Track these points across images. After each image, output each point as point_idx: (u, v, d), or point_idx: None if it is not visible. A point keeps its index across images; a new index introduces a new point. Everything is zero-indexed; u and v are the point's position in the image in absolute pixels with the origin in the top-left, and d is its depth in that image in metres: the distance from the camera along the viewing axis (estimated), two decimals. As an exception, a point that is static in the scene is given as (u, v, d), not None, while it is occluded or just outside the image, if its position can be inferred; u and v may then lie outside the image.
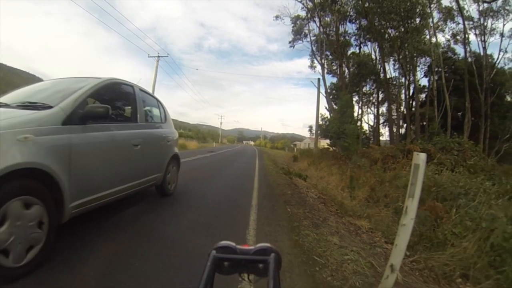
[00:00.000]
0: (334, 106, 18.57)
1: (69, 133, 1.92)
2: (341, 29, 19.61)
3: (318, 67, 21.00)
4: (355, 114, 19.37)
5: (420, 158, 1.71)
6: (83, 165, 2.04)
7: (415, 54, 16.52)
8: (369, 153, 10.20)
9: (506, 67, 18.57)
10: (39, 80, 7.88)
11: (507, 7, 16.72)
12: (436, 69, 17.33)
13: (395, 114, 20.48)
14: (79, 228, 2.31)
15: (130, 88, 3.05)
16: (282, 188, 5.76)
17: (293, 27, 20.80)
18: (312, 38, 20.72)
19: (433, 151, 8.95)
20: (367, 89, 22.71)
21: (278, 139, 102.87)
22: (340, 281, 1.97)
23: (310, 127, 27.83)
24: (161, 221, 2.81)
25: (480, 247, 2.42)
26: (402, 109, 20.76)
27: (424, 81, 20.98)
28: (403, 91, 20.31)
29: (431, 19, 16.65)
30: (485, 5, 17.00)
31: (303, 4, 18.81)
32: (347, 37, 20.16)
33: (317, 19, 19.24)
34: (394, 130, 19.79)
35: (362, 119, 22.65)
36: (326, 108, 20.06)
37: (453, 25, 18.65)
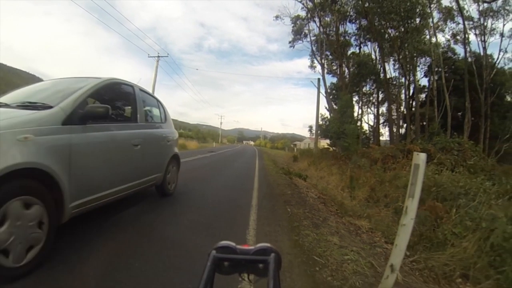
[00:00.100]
0: (334, 106, 18.57)
1: (69, 133, 1.92)
2: (341, 29, 19.64)
3: (318, 67, 21.03)
4: (355, 114, 19.40)
5: (420, 158, 1.71)
6: (83, 165, 2.04)
7: (415, 54, 16.52)
8: (369, 153, 10.20)
9: (506, 67, 18.61)
10: (39, 80, 7.88)
11: (507, 7, 16.73)
12: (436, 69, 17.33)
13: (395, 114, 20.48)
14: (79, 228, 2.31)
15: (130, 88, 3.05)
16: (282, 188, 5.76)
17: (293, 27, 20.82)
18: (312, 38, 20.75)
19: (433, 151, 8.95)
20: (367, 89, 22.73)
21: (278, 139, 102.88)
22: (340, 281, 1.97)
23: (310, 127, 27.85)
24: (161, 221, 2.81)
25: (480, 247, 2.42)
26: (402, 109, 20.78)
27: (424, 81, 21.03)
28: (403, 91, 20.34)
29: (431, 19, 16.67)
30: (485, 5, 17.01)
31: (303, 4, 18.84)
32: (347, 37, 20.18)
33: (317, 19, 19.27)
34: (394, 130, 19.80)
35: (362, 119, 22.69)
36: (326, 108, 20.09)
37: (453, 25, 18.69)
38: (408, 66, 17.96)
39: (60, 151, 1.81)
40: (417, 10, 14.74)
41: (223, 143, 60.47)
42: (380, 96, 22.15)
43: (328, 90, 19.97)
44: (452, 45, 19.65)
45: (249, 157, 16.01)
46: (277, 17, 20.85)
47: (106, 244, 2.13)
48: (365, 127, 22.37)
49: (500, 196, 3.84)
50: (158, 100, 3.87)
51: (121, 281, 1.65)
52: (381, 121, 22.83)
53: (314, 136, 21.15)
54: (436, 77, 17.40)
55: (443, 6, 17.90)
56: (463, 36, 17.40)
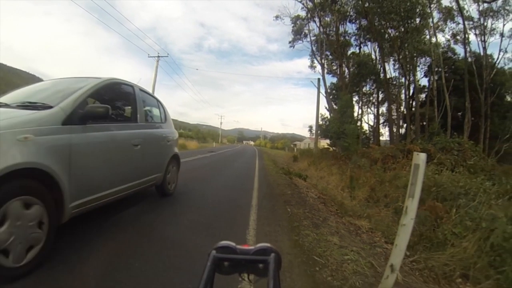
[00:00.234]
0: (334, 106, 18.57)
1: (69, 133, 1.92)
2: (341, 29, 19.64)
3: (318, 67, 21.03)
4: (355, 114, 19.40)
5: (420, 158, 1.71)
6: (83, 165, 2.04)
7: (415, 54, 16.52)
8: (369, 153, 10.20)
9: (506, 67, 18.60)
10: (39, 80, 7.88)
11: (507, 7, 16.73)
12: (436, 69, 17.33)
13: (395, 114, 20.48)
14: (79, 228, 2.31)
15: (130, 88, 3.05)
16: (282, 188, 5.76)
17: (293, 27, 20.82)
18: (312, 38, 20.75)
19: (433, 151, 8.95)
20: (367, 89, 22.73)
21: (278, 139, 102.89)
22: (340, 281, 1.97)
23: (310, 127, 27.86)
24: (161, 221, 2.81)
25: (480, 247, 2.42)
26: (402, 109, 20.78)
27: (424, 81, 21.02)
28: (403, 91, 20.34)
29: (431, 19, 16.67)
30: (485, 5, 17.01)
31: (303, 4, 18.84)
32: (347, 37, 20.18)
33: (317, 19, 19.27)
34: (394, 130, 19.80)
35: (362, 119, 22.69)
36: (326, 108, 20.09)
37: (453, 25, 18.69)
38: (408, 66, 17.96)
39: (60, 151, 1.81)
40: (417, 10, 14.74)
41: (223, 143, 60.47)
42: (380, 96, 22.18)
43: (328, 90, 19.99)
44: (452, 45, 19.69)
45: (249, 157, 16.01)
46: (277, 17, 20.88)
47: (106, 244, 2.13)
48: (365, 127, 22.40)
49: (500, 196, 3.84)
50: (158, 100, 3.87)
51: (121, 281, 1.65)
52: (381, 121, 22.87)
53: (314, 136, 21.15)
54: (436, 77, 17.41)
55: (443, 6, 17.93)
56: (463, 36, 17.42)
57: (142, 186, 3.03)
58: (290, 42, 21.48)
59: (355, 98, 21.73)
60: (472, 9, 18.61)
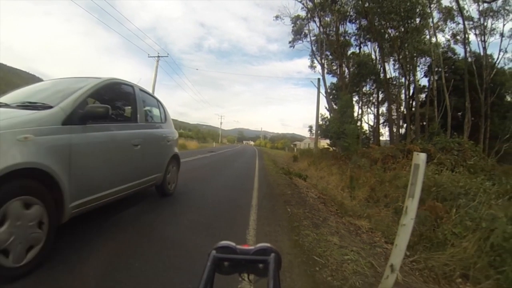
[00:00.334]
0: (334, 106, 18.57)
1: (69, 133, 1.92)
2: (341, 29, 19.64)
3: (318, 67, 21.04)
4: (355, 114, 19.40)
5: (420, 158, 1.71)
6: (83, 165, 2.04)
7: (415, 54, 16.52)
8: (369, 153, 10.20)
9: (506, 67, 18.60)
10: (39, 80, 7.88)
11: (507, 7, 16.73)
12: (436, 69, 17.33)
13: (395, 114, 20.48)
14: (79, 228, 2.31)
15: (130, 88, 3.05)
16: (282, 188, 5.76)
17: (293, 27, 20.82)
18: (312, 38, 20.75)
19: (433, 151, 8.95)
20: (367, 89, 22.73)
21: (278, 139, 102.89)
22: (340, 281, 1.97)
23: (310, 127, 27.86)
24: (161, 221, 2.81)
25: (480, 247, 2.42)
26: (402, 109, 20.78)
27: (424, 81, 21.02)
28: (403, 91, 20.33)
29: (431, 19, 16.67)
30: (485, 5, 17.01)
31: (303, 4, 18.84)
32: (347, 37, 20.18)
33: (317, 19, 19.27)
34: (394, 130, 19.80)
35: (362, 119, 22.69)
36: (326, 108, 20.09)
37: (453, 25, 18.69)
38: (408, 66, 17.96)
39: (60, 151, 1.81)
40: (417, 10, 14.74)
41: (223, 143, 60.47)
42: (380, 96, 22.18)
43: (328, 90, 19.99)
44: (452, 45, 19.69)
45: (249, 157, 16.01)
46: (277, 17, 20.88)
47: (106, 244, 2.13)
48: (365, 127, 22.40)
49: (500, 196, 3.84)
50: (158, 100, 3.87)
51: (121, 281, 1.65)
52: (381, 121, 22.87)
53: (314, 136, 21.15)
54: (436, 77, 17.40)
55: (443, 6, 17.93)
56: (463, 36, 17.42)
57: (142, 186, 3.03)
58: (290, 42, 21.52)
59: (355, 98, 21.75)
60: (472, 9, 18.64)
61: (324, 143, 21.00)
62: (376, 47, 19.21)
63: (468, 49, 17.72)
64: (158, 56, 19.54)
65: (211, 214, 3.25)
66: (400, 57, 17.28)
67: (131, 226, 2.59)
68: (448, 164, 7.50)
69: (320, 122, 18.18)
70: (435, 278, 2.28)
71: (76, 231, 2.25)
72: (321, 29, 19.50)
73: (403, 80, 19.68)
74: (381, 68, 18.81)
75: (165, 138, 3.65)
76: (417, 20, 15.34)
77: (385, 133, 22.06)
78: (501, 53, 17.94)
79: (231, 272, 0.44)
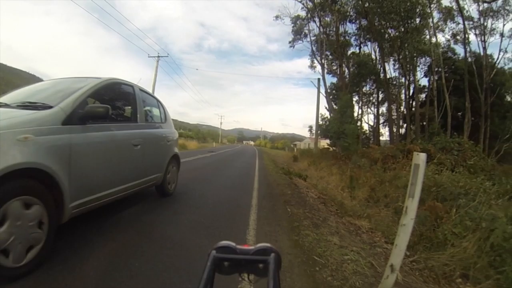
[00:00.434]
0: (334, 106, 18.58)
1: (69, 133, 1.92)
2: (341, 29, 19.64)
3: (318, 67, 21.06)
4: (355, 114, 19.39)
5: (420, 158, 1.71)
6: (83, 165, 2.03)
7: (415, 54, 16.51)
8: (369, 153, 10.20)
9: (506, 67, 18.59)
10: (39, 80, 7.88)
11: (507, 7, 16.72)
12: (436, 69, 17.33)
13: (395, 114, 20.49)
14: (79, 228, 2.31)
15: (130, 88, 3.05)
16: (282, 188, 5.76)
17: (293, 27, 20.85)
18: (312, 38, 20.77)
19: (433, 151, 8.97)
20: (367, 89, 22.75)
21: (278, 139, 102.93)
22: (340, 281, 1.97)
23: (310, 127, 27.89)
24: (161, 221, 2.81)
25: (480, 247, 2.42)
26: (402, 109, 20.80)
27: (424, 81, 21.03)
28: (403, 91, 20.35)
29: (431, 19, 16.67)
30: (485, 5, 17.01)
31: (303, 4, 18.85)
32: (347, 37, 20.19)
33: (317, 19, 19.29)
34: (394, 130, 19.81)
35: (362, 119, 22.71)
36: (326, 108, 20.10)
37: (453, 25, 18.69)
38: (408, 66, 17.97)
39: (60, 151, 1.81)
40: (417, 10, 14.75)
41: (223, 143, 60.48)
42: (380, 96, 22.18)
43: (328, 90, 20.02)
44: (452, 45, 19.69)
45: (249, 157, 16.01)
46: (277, 17, 20.90)
47: (106, 244, 2.13)
48: (365, 127, 22.43)
49: (500, 196, 3.85)
50: (158, 100, 3.87)
51: (121, 281, 1.65)
52: (381, 121, 22.87)
53: (314, 136, 21.16)
54: (436, 77, 17.41)
55: (443, 6, 17.92)
56: (463, 36, 17.42)
57: (142, 186, 3.03)
58: (290, 42, 21.55)
59: (355, 98, 21.76)
60: (472, 9, 18.67)
61: (324, 143, 21.00)
62: (376, 47, 19.24)
63: (468, 49, 17.75)
64: (158, 56, 19.56)
65: (211, 214, 3.25)
66: (400, 57, 17.29)
67: (131, 226, 2.59)
68: (448, 164, 7.51)
69: (320, 122, 18.18)
70: (435, 278, 2.28)
71: (76, 231, 2.25)
72: (321, 29, 19.54)
73: (403, 80, 19.72)
74: (381, 68, 18.82)
75: (165, 138, 3.65)
76: (417, 20, 15.35)
77: (385, 133, 22.10)
78: (501, 53, 17.97)
79: (231, 272, 0.44)
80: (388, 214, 4.32)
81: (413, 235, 2.58)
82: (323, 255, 2.38)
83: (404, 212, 1.75)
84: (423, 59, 18.80)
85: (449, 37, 19.45)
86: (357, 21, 18.81)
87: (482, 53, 17.84)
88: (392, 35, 16.82)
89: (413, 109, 18.55)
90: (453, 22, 18.48)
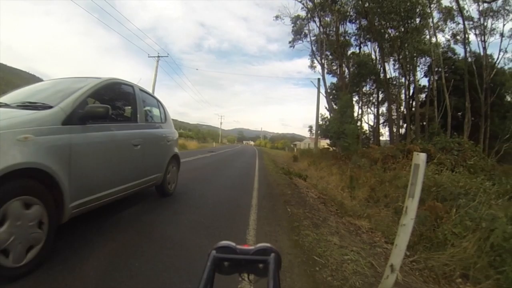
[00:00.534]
0: (334, 106, 18.58)
1: (69, 133, 1.92)
2: (341, 29, 19.65)
3: (318, 67, 21.06)
4: (355, 114, 19.39)
5: (420, 158, 1.71)
6: (83, 165, 2.03)
7: (415, 54, 16.51)
8: (369, 153, 10.20)
9: (506, 67, 18.59)
10: (39, 80, 7.88)
11: (507, 7, 16.72)
12: (436, 69, 17.33)
13: (395, 114, 20.49)
14: (79, 228, 2.31)
15: (130, 88, 3.05)
16: (282, 188, 5.76)
17: (293, 27, 20.85)
18: (312, 38, 20.77)
19: (433, 151, 8.97)
20: (367, 89, 22.75)
21: (278, 139, 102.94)
22: (340, 281, 1.97)
23: (310, 127, 27.90)
24: (161, 221, 2.81)
25: (480, 247, 2.42)
26: (402, 109, 20.80)
27: (424, 81, 21.03)
28: (403, 91, 20.35)
29: (431, 19, 16.67)
30: (485, 5, 17.01)
31: (303, 4, 18.86)
32: (347, 37, 20.19)
33: (317, 19, 19.29)
34: (394, 130, 19.81)
35: (362, 119, 22.71)
36: (326, 108, 20.10)
37: (453, 25, 18.69)
38: (408, 66, 17.97)
39: (60, 151, 1.81)
40: (417, 10, 14.75)
41: (223, 143, 60.47)
42: (380, 96, 22.18)
43: (328, 90, 20.02)
44: (452, 45, 19.69)
45: (249, 157, 16.01)
46: (277, 17, 20.91)
47: (106, 244, 2.13)
48: (365, 127, 22.42)
49: (500, 196, 3.85)
50: (158, 100, 3.87)
51: (121, 281, 1.65)
52: (381, 121, 22.87)
53: (314, 136, 21.15)
54: (436, 77, 17.41)
55: (443, 6, 17.92)
56: (463, 36, 17.42)
57: (142, 186, 3.03)
58: (290, 42, 21.56)
59: (355, 98, 21.77)
60: (472, 9, 18.66)
61: (324, 143, 21.00)
62: (376, 47, 19.24)
63: (468, 49, 17.75)
64: (158, 56, 19.57)
65: (211, 214, 3.25)
66: (400, 57, 17.29)
67: (131, 226, 2.59)
68: (448, 164, 7.51)
69: (320, 122, 18.18)
70: (435, 278, 2.28)
71: (76, 231, 2.25)
72: (321, 29, 19.54)
73: (403, 80, 19.72)
74: (381, 68, 18.82)
75: (165, 138, 3.65)
76: (417, 20, 15.35)
77: (385, 133, 22.10)
78: (501, 53, 17.97)
79: (231, 272, 0.44)
80: (388, 214, 4.32)
81: (413, 235, 2.58)
82: (323, 255, 2.38)
83: (404, 212, 1.75)
84: (423, 59, 18.81)
85: (449, 37, 19.49)
86: (357, 21, 18.83)
87: (482, 53, 17.86)
88: (392, 35, 16.82)
89: (413, 109, 18.55)
90: (453, 22, 18.51)
